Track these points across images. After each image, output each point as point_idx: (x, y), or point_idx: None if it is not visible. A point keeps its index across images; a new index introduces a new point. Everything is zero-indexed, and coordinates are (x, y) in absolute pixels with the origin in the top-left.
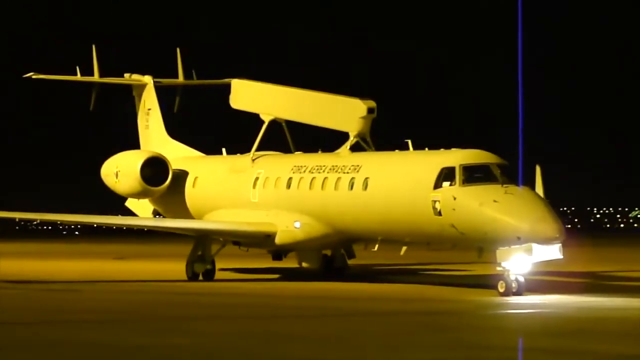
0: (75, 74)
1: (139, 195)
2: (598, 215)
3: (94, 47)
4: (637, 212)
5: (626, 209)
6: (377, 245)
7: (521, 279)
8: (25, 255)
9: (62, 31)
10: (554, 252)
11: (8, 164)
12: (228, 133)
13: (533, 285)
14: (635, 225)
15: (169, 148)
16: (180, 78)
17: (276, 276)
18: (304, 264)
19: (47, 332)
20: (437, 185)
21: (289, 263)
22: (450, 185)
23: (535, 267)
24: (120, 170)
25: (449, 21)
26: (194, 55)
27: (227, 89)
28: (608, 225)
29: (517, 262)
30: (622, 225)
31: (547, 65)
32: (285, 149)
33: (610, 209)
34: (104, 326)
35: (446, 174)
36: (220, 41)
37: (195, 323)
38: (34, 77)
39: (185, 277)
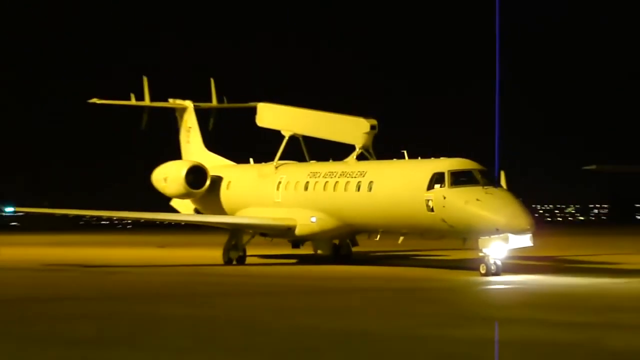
0: (130, 100)
1: (183, 196)
2: (540, 211)
3: (145, 78)
4: (571, 208)
5: (563, 206)
6: (378, 236)
7: (499, 263)
8: (87, 244)
9: (115, 65)
10: (525, 240)
11: (70, 171)
12: (254, 146)
13: (509, 267)
14: (571, 219)
15: (206, 158)
16: (214, 102)
17: (294, 261)
18: (318, 251)
19: (102, 305)
20: (430, 187)
21: (305, 250)
22: (441, 187)
23: (510, 253)
24: (168, 177)
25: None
26: (225, 83)
27: (253, 110)
28: (549, 219)
29: (495, 249)
30: (560, 219)
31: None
32: (302, 159)
33: (550, 205)
34: (149, 300)
35: (437, 178)
36: (247, 71)
37: (227, 298)
38: (97, 102)
39: (221, 262)
